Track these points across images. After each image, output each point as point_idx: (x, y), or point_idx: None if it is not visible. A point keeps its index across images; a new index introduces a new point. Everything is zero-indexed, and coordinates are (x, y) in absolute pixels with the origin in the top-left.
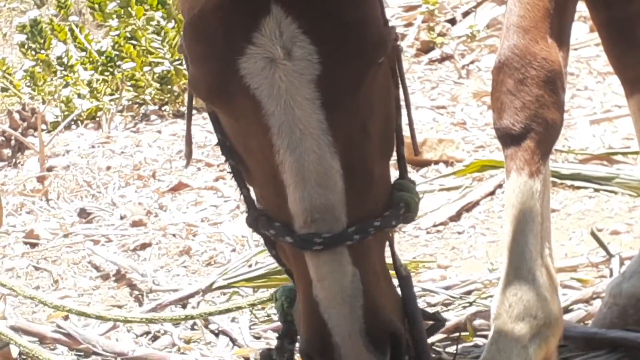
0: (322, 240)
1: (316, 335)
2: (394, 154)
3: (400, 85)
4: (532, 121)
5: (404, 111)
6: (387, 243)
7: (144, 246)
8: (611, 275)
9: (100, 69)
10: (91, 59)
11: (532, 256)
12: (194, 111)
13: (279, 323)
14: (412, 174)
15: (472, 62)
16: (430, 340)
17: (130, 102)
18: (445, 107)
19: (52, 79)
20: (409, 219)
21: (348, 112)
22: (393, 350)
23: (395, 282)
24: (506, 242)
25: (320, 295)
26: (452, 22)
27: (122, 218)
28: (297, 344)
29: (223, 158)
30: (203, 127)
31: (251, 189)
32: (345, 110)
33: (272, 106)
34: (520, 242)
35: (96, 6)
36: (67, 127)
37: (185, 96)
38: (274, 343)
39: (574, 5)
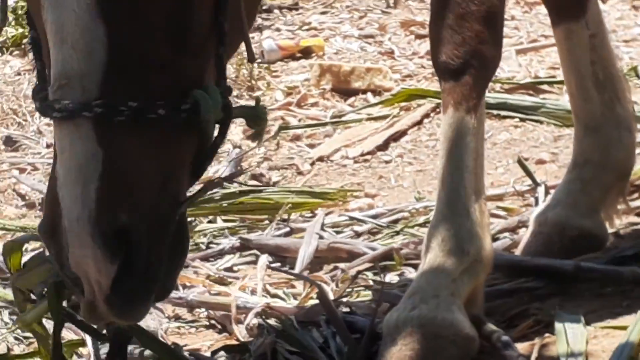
0: (61, 106)
1: (50, 214)
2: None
3: None
4: (471, 57)
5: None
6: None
7: None
8: (536, 204)
9: None
10: None
11: (467, 192)
12: None
13: None
14: (340, 102)
15: None
16: (357, 268)
17: None
18: (373, 37)
19: None
20: (196, 121)
21: None
22: (128, 251)
23: None
24: (441, 176)
25: (58, 170)
26: None
27: (48, 146)
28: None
29: None
30: None
31: None
32: None
33: None
34: (456, 177)
35: None
36: None
37: None
38: None
39: None
